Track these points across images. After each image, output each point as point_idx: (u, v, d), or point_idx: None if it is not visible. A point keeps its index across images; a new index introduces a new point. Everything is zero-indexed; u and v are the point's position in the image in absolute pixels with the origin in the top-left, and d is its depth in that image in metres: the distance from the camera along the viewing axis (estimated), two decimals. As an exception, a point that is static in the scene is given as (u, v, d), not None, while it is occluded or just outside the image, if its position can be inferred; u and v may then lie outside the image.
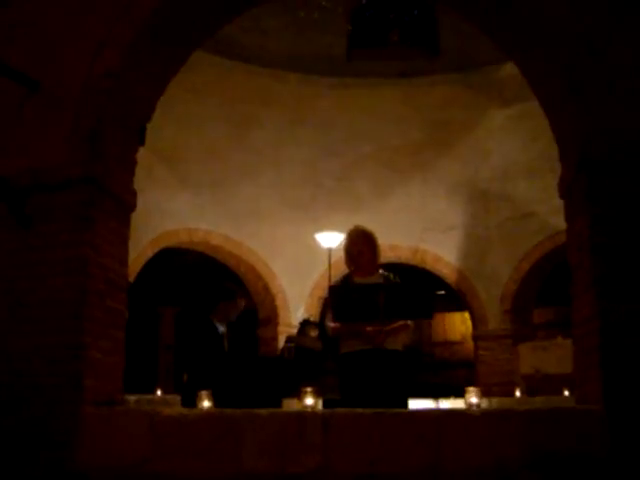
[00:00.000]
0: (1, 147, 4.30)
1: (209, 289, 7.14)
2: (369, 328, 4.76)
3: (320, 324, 10.23)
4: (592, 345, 3.74)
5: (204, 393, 3.92)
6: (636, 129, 3.84)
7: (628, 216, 3.74)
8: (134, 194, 4.52)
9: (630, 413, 3.50)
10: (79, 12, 4.35)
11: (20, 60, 4.21)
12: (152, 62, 4.45)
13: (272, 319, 12.90)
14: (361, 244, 5.05)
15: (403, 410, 3.59)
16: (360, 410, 3.55)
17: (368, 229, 5.17)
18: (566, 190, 4.24)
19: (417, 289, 4.94)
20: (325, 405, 5.37)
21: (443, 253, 12.90)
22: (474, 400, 3.75)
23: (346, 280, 5.13)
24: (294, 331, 11.18)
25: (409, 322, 4.99)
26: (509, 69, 9.66)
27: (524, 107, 10.07)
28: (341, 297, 4.93)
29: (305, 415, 3.58)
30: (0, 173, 4.02)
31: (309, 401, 3.72)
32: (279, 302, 12.82)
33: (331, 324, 4.93)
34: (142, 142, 4.60)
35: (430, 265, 12.99)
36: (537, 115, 4.70)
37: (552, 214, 10.12)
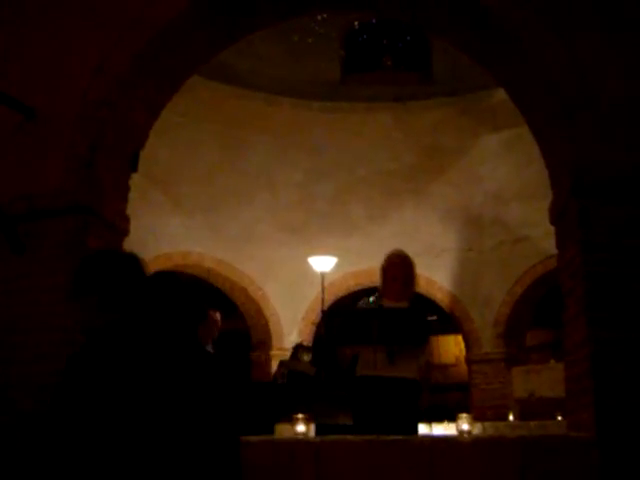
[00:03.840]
0: (-4, 174, 4.32)
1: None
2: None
3: (313, 348, 10.22)
4: (583, 371, 3.74)
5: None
6: (626, 157, 3.87)
7: (620, 243, 3.76)
8: (127, 220, 4.53)
9: (621, 441, 3.50)
10: (74, 41, 4.40)
11: (15, 88, 4.23)
12: (146, 90, 4.49)
13: (265, 343, 12.84)
14: (397, 270, 4.81)
15: (395, 437, 3.58)
16: (351, 437, 3.55)
17: (408, 255, 4.91)
18: (557, 217, 4.26)
19: (414, 317, 4.75)
20: (318, 431, 5.35)
21: (436, 277, 12.87)
22: (465, 427, 3.75)
23: (377, 303, 4.90)
24: (287, 355, 11.13)
25: None
26: (502, 94, 9.57)
27: (517, 131, 10.07)
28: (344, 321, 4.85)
29: (296, 443, 3.57)
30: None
31: (301, 428, 3.71)
32: (272, 326, 12.76)
33: (347, 350, 4.83)
34: (135, 169, 4.63)
35: (423, 289, 12.91)
36: (530, 140, 4.70)
37: (545, 238, 9.99)
